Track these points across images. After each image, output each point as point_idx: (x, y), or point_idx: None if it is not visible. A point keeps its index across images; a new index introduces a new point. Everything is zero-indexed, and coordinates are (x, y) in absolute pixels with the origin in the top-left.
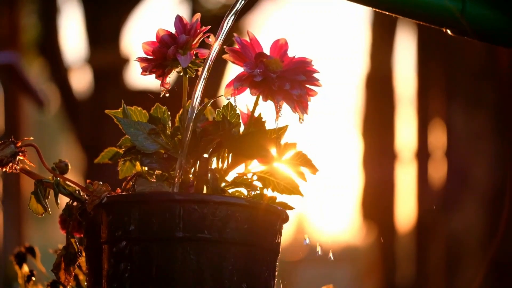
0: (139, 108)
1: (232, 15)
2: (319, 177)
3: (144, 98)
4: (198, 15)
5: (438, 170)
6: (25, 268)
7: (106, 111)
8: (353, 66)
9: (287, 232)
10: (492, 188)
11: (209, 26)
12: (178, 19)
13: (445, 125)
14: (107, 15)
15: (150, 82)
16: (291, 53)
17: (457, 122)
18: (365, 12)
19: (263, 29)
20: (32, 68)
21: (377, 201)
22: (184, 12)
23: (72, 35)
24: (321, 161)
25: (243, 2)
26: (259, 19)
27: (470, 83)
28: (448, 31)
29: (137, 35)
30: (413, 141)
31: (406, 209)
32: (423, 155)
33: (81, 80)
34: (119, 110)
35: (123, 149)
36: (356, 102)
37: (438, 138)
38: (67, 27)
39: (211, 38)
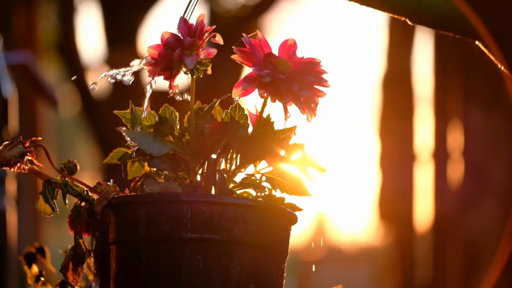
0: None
1: None
2: (337, 178)
3: (163, 97)
4: (203, 16)
5: (456, 171)
6: (35, 268)
7: (115, 111)
8: (371, 66)
9: (307, 233)
10: (510, 188)
11: (214, 26)
12: (182, 20)
13: (463, 125)
14: (125, 14)
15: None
16: (300, 53)
17: (475, 122)
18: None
19: (281, 29)
20: (49, 68)
21: (395, 201)
22: (203, 12)
23: (90, 35)
24: (338, 161)
25: None
26: (277, 20)
27: (488, 83)
28: (407, 20)
29: (155, 35)
30: (431, 141)
31: (424, 210)
32: (441, 155)
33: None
34: (128, 111)
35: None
36: (374, 102)
37: (456, 139)
38: (85, 27)
39: (218, 38)
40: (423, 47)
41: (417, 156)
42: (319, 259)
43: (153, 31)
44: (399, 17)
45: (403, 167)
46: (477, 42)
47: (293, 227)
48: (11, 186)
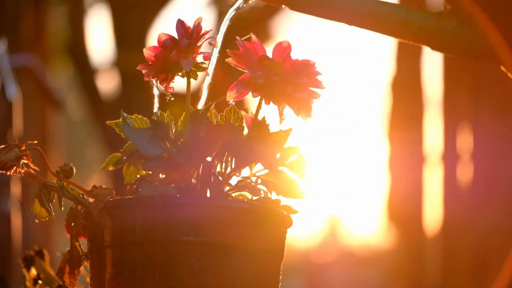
0: (139, 116)
1: (232, 11)
2: (347, 181)
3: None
4: (200, 19)
5: (466, 173)
6: (34, 271)
7: (107, 122)
8: (381, 69)
9: (319, 235)
10: None
11: (211, 29)
12: (180, 23)
13: (472, 128)
14: (135, 17)
15: (177, 84)
16: (295, 55)
17: (484, 125)
18: None
19: (290, 31)
20: (58, 71)
21: (405, 204)
22: (212, 14)
23: (100, 37)
24: (347, 164)
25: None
26: (286, 22)
27: (498, 86)
28: (428, 47)
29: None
30: (440, 144)
31: (433, 213)
32: (450, 158)
33: (108, 82)
34: (120, 120)
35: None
36: (383, 105)
37: (466, 141)
38: (94, 29)
39: (214, 41)
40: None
41: (426, 158)
42: (330, 261)
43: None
44: (420, 44)
45: (412, 170)
46: (502, 68)
47: (304, 230)
48: (15, 189)
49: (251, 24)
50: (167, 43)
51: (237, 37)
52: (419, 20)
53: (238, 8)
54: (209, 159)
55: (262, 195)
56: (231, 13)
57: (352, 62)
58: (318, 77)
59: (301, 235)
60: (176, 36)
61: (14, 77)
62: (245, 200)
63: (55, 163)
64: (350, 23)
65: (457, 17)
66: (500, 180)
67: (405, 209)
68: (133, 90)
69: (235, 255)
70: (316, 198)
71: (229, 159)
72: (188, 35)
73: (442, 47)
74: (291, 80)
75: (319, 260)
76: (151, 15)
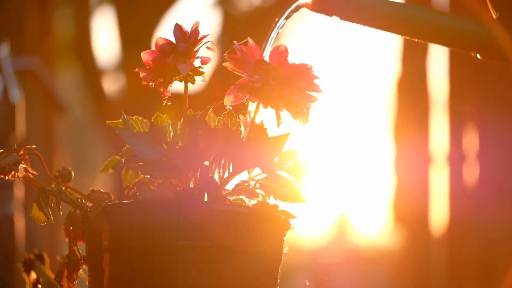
0: (139, 118)
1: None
2: (353, 181)
3: (177, 101)
4: (197, 23)
5: (472, 173)
6: (33, 275)
7: (107, 121)
8: (386, 68)
9: (326, 235)
10: None
11: (208, 34)
12: (177, 27)
13: (478, 128)
14: (140, 18)
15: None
16: (292, 59)
17: (490, 124)
18: None
19: (295, 32)
20: (61, 73)
21: (411, 204)
22: (218, 14)
23: (105, 39)
24: (355, 164)
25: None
26: (291, 22)
27: (503, 86)
28: (477, 56)
29: (170, 38)
30: (446, 144)
31: (439, 213)
32: (456, 158)
33: (113, 84)
34: (120, 121)
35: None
36: (389, 105)
37: (471, 141)
38: (100, 31)
39: (212, 46)
40: (438, 50)
41: (432, 159)
42: (337, 261)
43: (169, 35)
44: (470, 53)
45: (418, 170)
46: None
47: (311, 230)
48: (18, 191)
49: (256, 24)
50: (164, 48)
51: (234, 42)
52: (470, 29)
53: (288, 17)
54: (207, 163)
55: (260, 199)
56: (281, 22)
57: (358, 63)
58: (316, 81)
59: (308, 235)
60: (174, 41)
61: (17, 79)
62: (243, 204)
63: (59, 166)
64: (401, 33)
65: (505, 25)
66: (506, 180)
67: (411, 210)
68: (139, 92)
69: (232, 259)
70: (316, 201)
71: (227, 163)
72: (186, 40)
73: (493, 55)
74: (288, 84)
75: (326, 259)
76: (157, 16)
